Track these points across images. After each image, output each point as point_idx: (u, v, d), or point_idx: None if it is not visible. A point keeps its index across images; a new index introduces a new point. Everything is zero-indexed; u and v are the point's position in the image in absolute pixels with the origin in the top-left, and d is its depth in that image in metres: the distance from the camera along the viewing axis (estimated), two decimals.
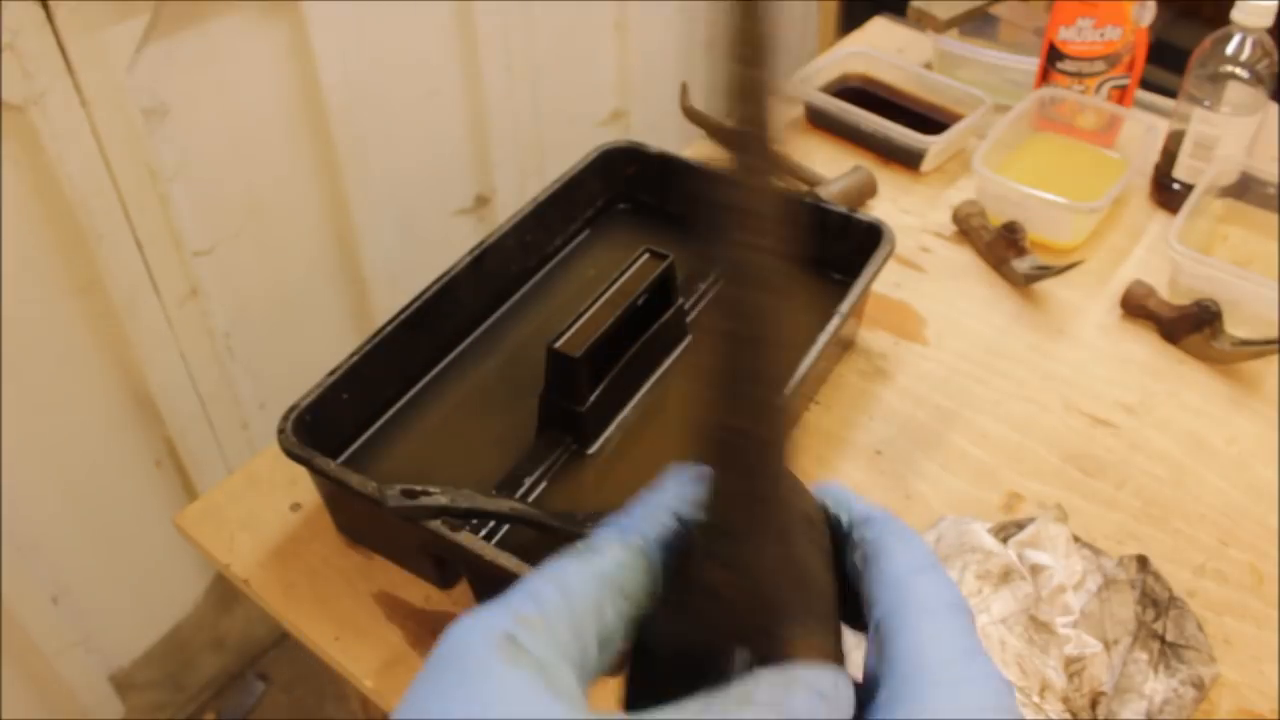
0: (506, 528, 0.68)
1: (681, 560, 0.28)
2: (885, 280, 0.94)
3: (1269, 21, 0.92)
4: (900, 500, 0.76)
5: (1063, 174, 1.03)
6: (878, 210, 1.04)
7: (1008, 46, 1.19)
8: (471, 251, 0.81)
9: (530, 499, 0.71)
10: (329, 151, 1.17)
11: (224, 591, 1.34)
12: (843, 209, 0.85)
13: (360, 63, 1.15)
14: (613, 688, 0.29)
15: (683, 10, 1.63)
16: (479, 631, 0.25)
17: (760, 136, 0.26)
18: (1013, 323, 0.92)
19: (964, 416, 0.83)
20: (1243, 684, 0.66)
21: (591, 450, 0.75)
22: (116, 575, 1.20)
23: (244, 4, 1.03)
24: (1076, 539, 0.71)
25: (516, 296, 0.86)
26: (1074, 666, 0.63)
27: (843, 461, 0.79)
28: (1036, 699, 0.62)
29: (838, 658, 0.28)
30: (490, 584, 0.67)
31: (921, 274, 0.97)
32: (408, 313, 0.76)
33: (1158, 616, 0.67)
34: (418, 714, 0.24)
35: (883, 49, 1.22)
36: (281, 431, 0.67)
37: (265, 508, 0.76)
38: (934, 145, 1.05)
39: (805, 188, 1.02)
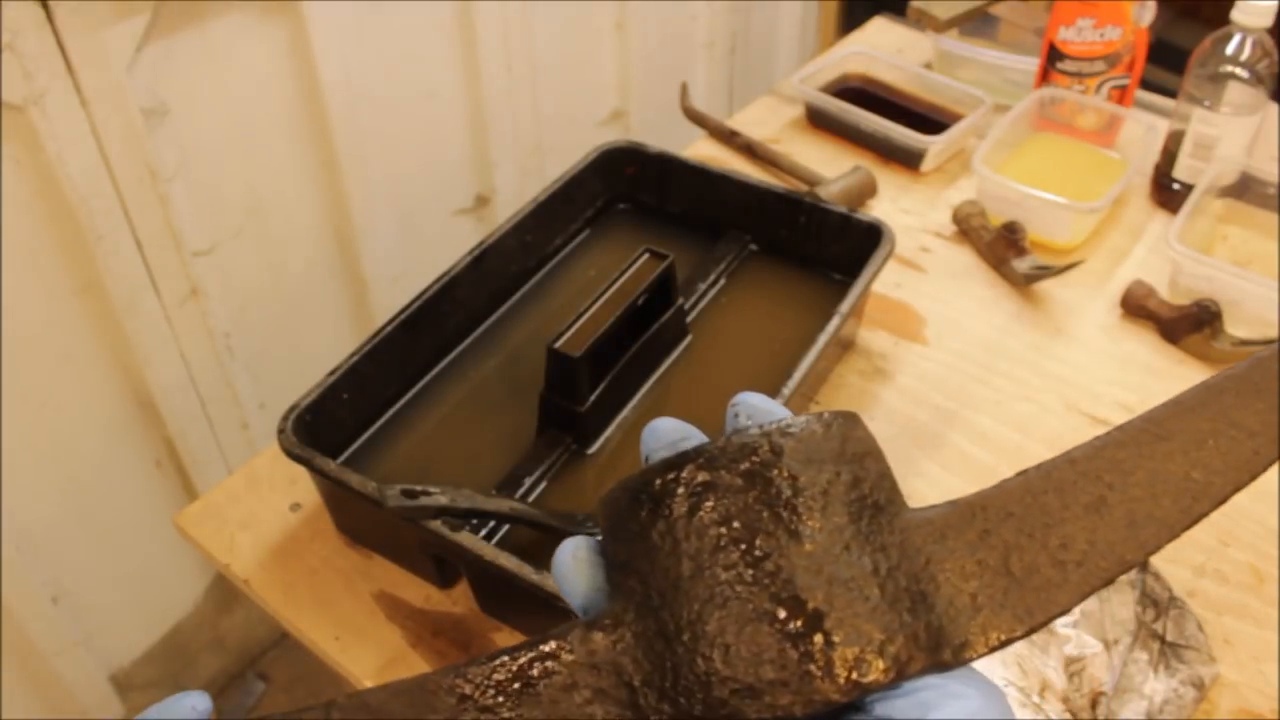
0: (506, 528, 0.68)
1: None
2: (885, 280, 0.94)
3: (1269, 21, 0.92)
4: None
5: (1063, 174, 1.03)
6: (878, 210, 1.04)
7: (1008, 46, 1.19)
8: (471, 251, 0.81)
9: (530, 499, 0.71)
10: (329, 151, 1.17)
11: (224, 591, 1.34)
12: (843, 209, 0.85)
13: (360, 63, 1.15)
14: None
15: (682, 10, 1.63)
16: None
17: None
18: (1013, 323, 0.92)
19: (964, 416, 0.83)
20: (1243, 684, 0.66)
21: (591, 450, 0.75)
22: (116, 575, 1.20)
23: (244, 4, 1.03)
24: None
25: (516, 296, 0.86)
26: (1074, 666, 0.63)
27: None
28: (1036, 699, 0.62)
29: None
30: (490, 584, 0.67)
31: (921, 274, 0.97)
32: (408, 312, 0.76)
33: (1158, 616, 0.67)
34: None
35: (883, 49, 1.22)
36: (281, 431, 0.67)
37: (265, 508, 0.76)
38: (934, 145, 1.05)
39: (805, 188, 1.02)
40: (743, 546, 0.28)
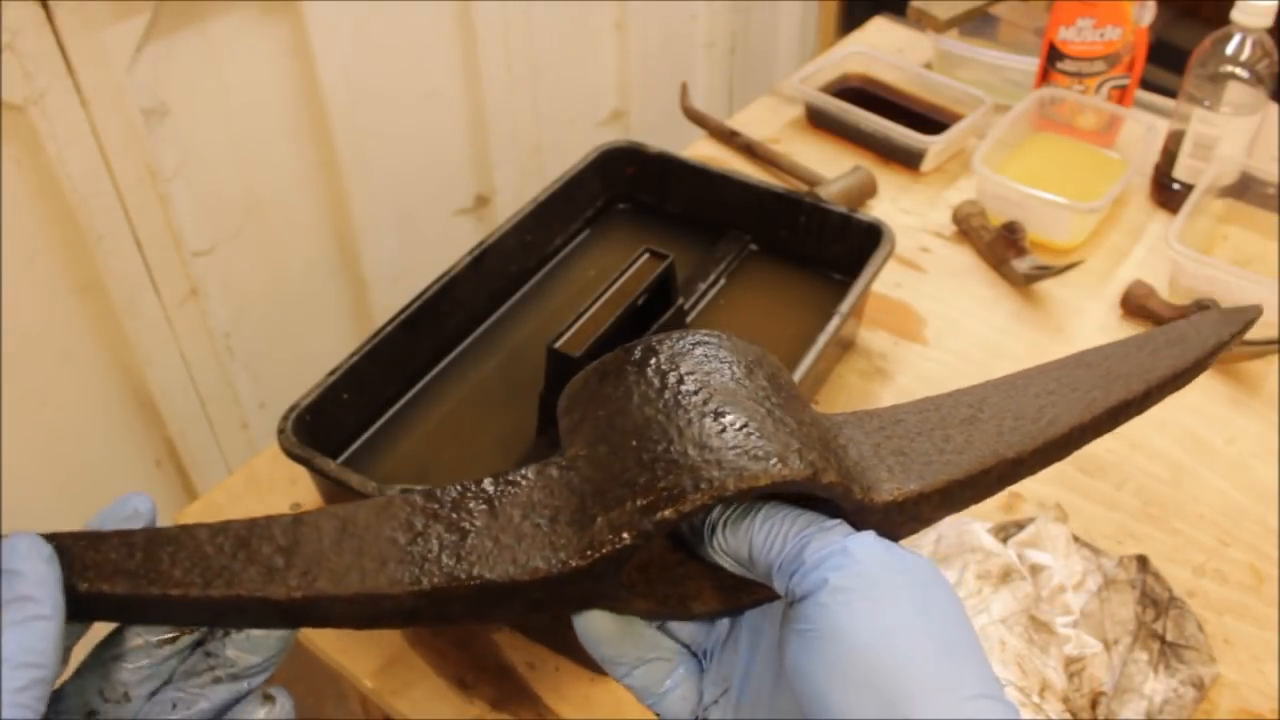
0: None
1: None
2: (885, 280, 0.94)
3: (1269, 21, 0.92)
4: None
5: (1063, 174, 1.03)
6: (878, 210, 1.04)
7: (1008, 46, 1.19)
8: (471, 251, 0.81)
9: None
10: (329, 151, 1.17)
11: None
12: (843, 209, 0.85)
13: (360, 63, 1.15)
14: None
15: (682, 10, 1.63)
16: None
17: None
18: (1013, 322, 0.92)
19: None
20: (1243, 684, 0.66)
21: None
22: None
23: (244, 4, 1.03)
24: (1076, 539, 0.71)
25: (516, 296, 0.86)
26: (1074, 666, 0.63)
27: None
28: (1036, 699, 0.61)
29: None
30: None
31: (921, 274, 0.97)
32: (408, 312, 0.76)
33: (1158, 616, 0.67)
34: None
35: (883, 49, 1.22)
36: (281, 431, 0.67)
37: (265, 508, 0.76)
38: (934, 145, 1.05)
39: (805, 188, 1.02)
40: (683, 384, 0.33)
